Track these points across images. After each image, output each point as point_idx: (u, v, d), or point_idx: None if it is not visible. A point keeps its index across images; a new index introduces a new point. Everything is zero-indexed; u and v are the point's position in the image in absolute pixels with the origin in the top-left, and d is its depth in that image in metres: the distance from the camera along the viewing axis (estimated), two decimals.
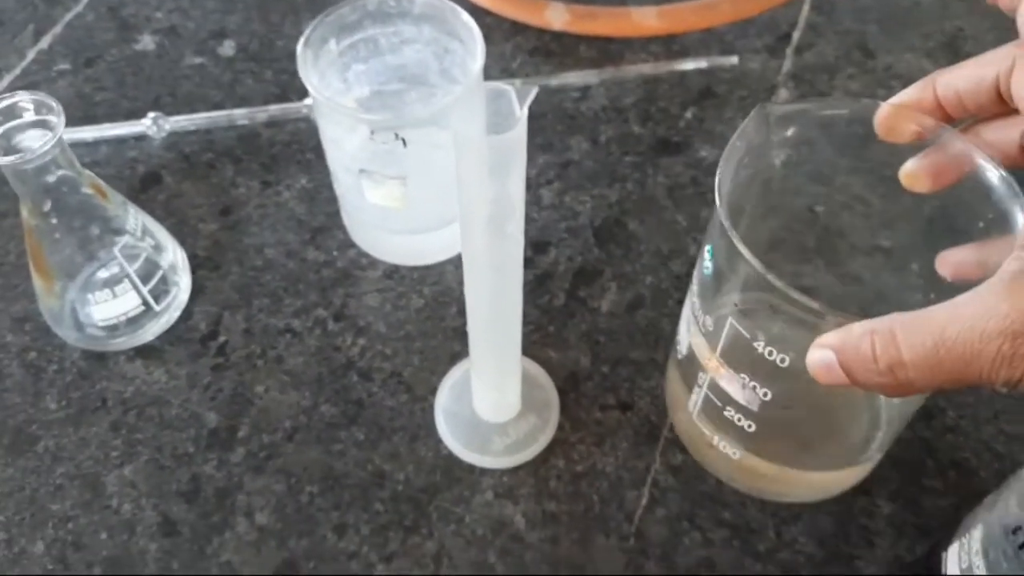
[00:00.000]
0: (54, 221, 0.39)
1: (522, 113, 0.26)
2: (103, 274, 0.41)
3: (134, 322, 0.43)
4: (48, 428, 0.42)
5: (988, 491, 0.34)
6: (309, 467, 0.41)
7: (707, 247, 0.33)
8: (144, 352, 0.44)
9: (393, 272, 0.47)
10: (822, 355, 0.26)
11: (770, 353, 0.31)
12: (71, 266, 0.41)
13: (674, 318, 0.44)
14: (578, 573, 0.38)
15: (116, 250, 0.40)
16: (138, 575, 0.38)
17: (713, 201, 0.30)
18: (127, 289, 0.41)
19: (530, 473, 0.40)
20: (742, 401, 0.34)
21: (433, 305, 0.46)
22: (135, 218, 0.41)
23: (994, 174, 0.29)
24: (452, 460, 0.41)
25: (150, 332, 0.43)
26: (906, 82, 0.32)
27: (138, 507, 0.40)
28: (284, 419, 0.42)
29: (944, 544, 0.35)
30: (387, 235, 0.46)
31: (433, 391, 0.43)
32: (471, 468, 0.41)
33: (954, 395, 0.41)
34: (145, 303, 0.42)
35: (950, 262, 0.31)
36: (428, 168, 0.41)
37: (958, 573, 0.32)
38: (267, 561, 0.38)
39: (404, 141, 0.40)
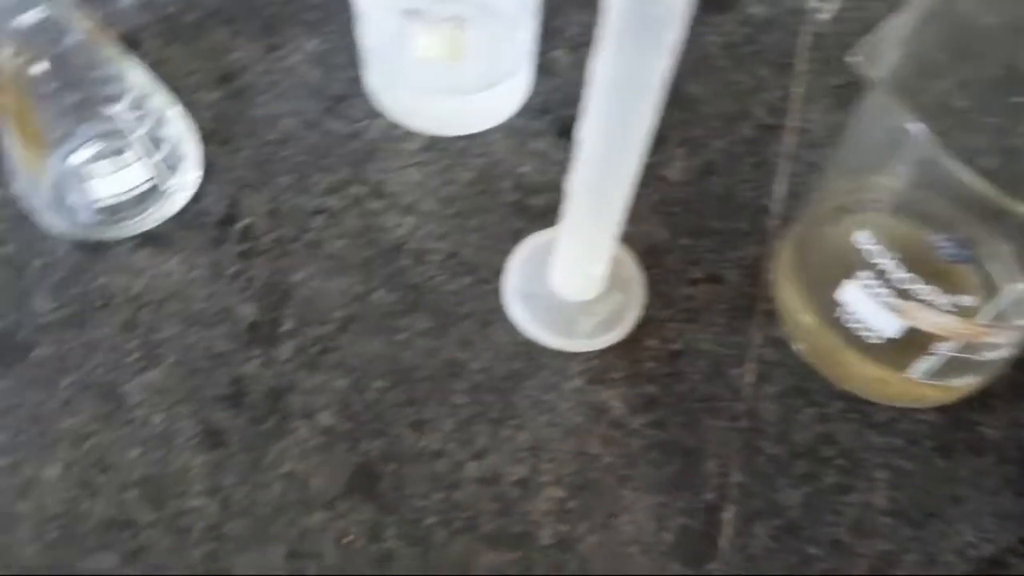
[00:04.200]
0: (46, 70, 0.31)
1: None
2: (103, 141, 0.34)
3: (140, 201, 0.35)
4: (44, 332, 0.35)
5: None
6: (372, 360, 0.35)
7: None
8: (151, 239, 0.37)
9: (432, 144, 0.41)
10: None
11: None
12: (66, 130, 0.33)
13: (751, 184, 0.41)
14: (695, 458, 0.34)
15: (120, 108, 0.33)
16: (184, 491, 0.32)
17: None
18: (134, 159, 0.34)
19: (621, 355, 0.36)
20: (1013, 343, 0.31)
21: (484, 179, 0.40)
22: (136, 71, 0.34)
23: None
24: (531, 345, 0.36)
25: (156, 215, 0.36)
26: None
27: (171, 417, 0.34)
28: (334, 308, 0.36)
29: None
30: (427, 97, 0.40)
31: (498, 272, 0.38)
32: (554, 353, 0.36)
33: None
34: (153, 178, 0.35)
35: None
36: (491, 7, 0.35)
37: None
38: (339, 467, 0.33)
39: None
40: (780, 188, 0.41)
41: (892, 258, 0.30)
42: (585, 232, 0.33)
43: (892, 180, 0.31)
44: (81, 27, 0.32)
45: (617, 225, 0.33)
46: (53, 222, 0.36)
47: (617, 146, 0.27)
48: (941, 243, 0.29)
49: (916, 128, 0.26)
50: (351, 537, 0.32)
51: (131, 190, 0.35)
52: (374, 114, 0.41)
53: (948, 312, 0.30)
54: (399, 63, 0.38)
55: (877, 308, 0.31)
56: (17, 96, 0.32)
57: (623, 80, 0.24)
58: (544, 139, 0.41)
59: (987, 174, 0.25)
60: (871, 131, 0.31)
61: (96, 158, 0.33)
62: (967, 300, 0.29)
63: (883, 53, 0.28)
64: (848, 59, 0.28)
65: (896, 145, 0.29)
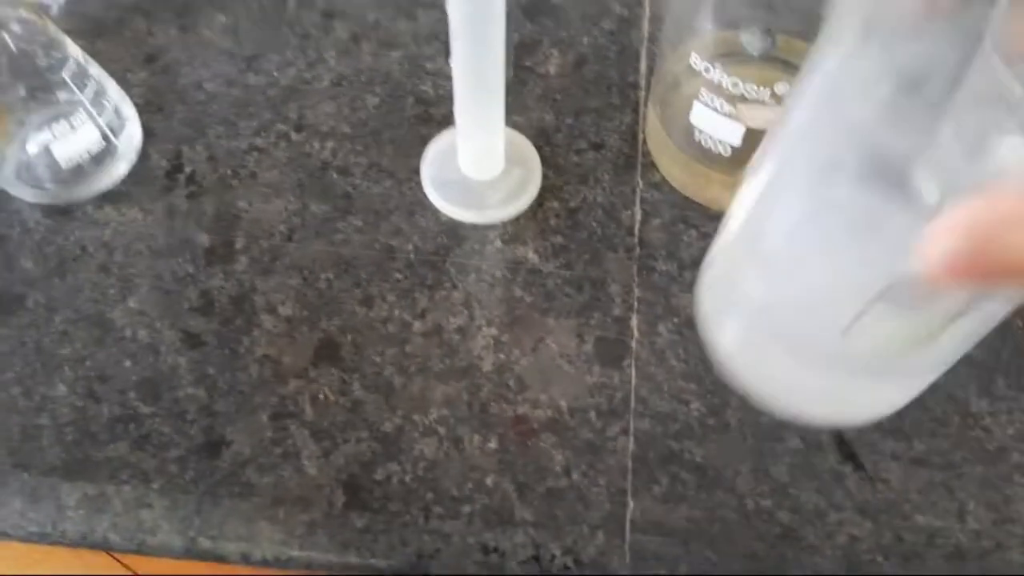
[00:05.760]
0: None
1: None
2: (57, 106, 0.39)
3: (98, 161, 0.41)
4: (31, 285, 0.40)
5: None
6: (318, 259, 0.41)
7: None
8: (111, 197, 0.43)
9: (341, 79, 0.47)
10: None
11: None
12: (24, 112, 0.39)
13: (618, 67, 0.47)
14: (602, 285, 0.40)
15: (66, 76, 0.38)
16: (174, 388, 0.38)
17: None
18: (84, 120, 0.39)
19: (530, 218, 0.42)
20: None
21: (389, 100, 0.46)
22: (73, 45, 0.40)
23: None
24: (454, 224, 0.42)
25: (113, 173, 0.42)
26: None
27: (154, 331, 0.39)
28: (278, 224, 0.42)
29: None
30: None
31: (415, 171, 0.44)
32: (474, 226, 0.42)
33: None
34: (105, 137, 0.41)
35: None
36: None
37: None
38: (305, 345, 0.39)
39: None
40: (643, 66, 0.47)
41: (719, 68, 0.36)
42: (474, 109, 0.39)
43: (706, 15, 0.37)
44: (21, 16, 0.37)
45: (499, 97, 0.39)
46: (25, 194, 0.41)
47: (481, 23, 0.34)
48: (747, 40, 0.35)
49: None
50: (323, 395, 0.37)
51: (87, 150, 0.40)
52: (287, 64, 0.47)
53: (770, 105, 0.36)
54: None
55: (719, 119, 0.38)
56: None
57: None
58: (435, 61, 0.47)
59: None
60: None
61: (52, 125, 0.39)
62: (781, 88, 0.36)
63: None
64: None
65: None
